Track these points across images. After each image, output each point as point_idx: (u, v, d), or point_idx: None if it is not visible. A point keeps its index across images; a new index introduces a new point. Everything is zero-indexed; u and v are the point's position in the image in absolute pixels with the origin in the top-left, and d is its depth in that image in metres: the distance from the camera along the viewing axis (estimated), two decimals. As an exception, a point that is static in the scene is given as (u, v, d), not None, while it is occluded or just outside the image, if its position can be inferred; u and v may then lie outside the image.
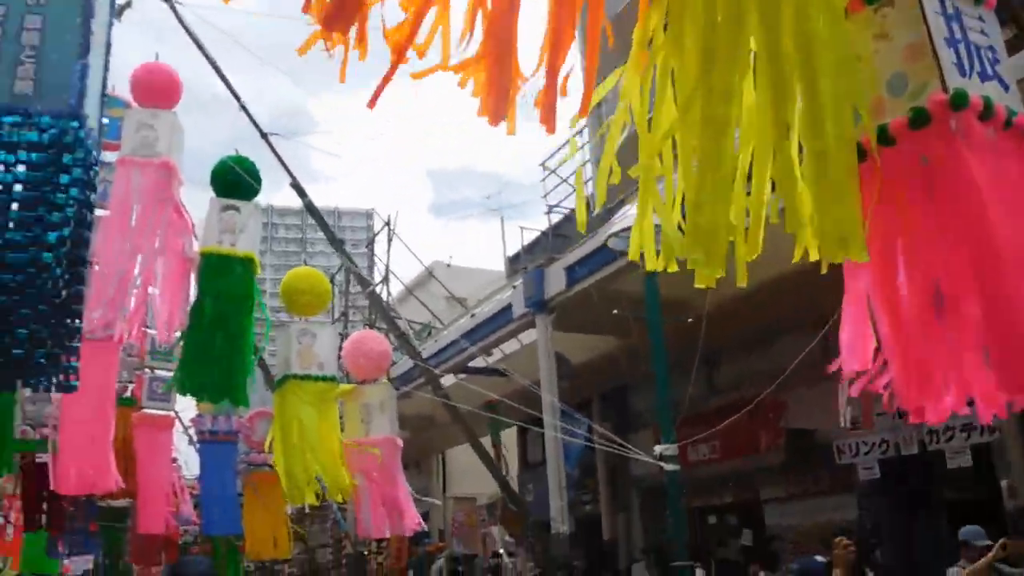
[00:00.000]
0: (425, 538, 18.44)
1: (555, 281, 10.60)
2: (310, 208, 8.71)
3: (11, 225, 5.03)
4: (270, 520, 15.08)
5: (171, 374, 15.09)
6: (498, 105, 2.71)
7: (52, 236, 5.29)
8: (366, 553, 17.74)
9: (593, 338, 12.59)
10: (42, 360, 4.92)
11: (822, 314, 11.84)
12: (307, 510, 21.23)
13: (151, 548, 17.58)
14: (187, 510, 18.28)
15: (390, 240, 11.08)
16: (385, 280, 13.34)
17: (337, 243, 8.73)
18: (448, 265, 19.24)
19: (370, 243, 13.50)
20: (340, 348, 8.82)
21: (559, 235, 12.20)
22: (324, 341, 8.40)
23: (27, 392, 15.59)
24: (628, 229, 9.06)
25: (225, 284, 8.05)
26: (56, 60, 5.54)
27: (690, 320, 9.08)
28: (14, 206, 5.06)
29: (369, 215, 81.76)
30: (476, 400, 15.35)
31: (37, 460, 14.70)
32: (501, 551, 17.02)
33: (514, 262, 17.21)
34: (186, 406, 18.62)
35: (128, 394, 14.67)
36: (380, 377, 8.72)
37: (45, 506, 14.59)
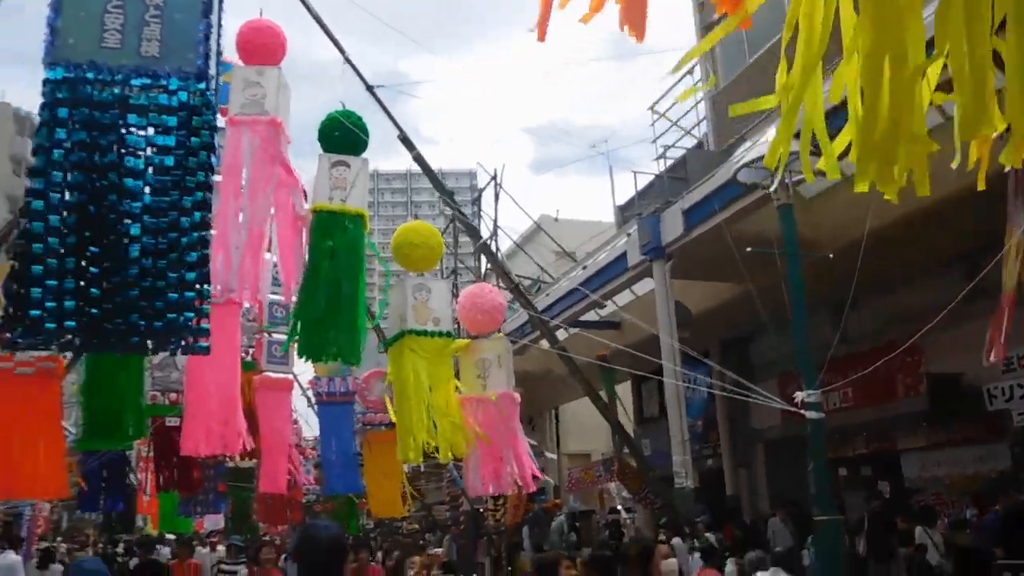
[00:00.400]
0: (540, 495, 18.33)
1: (672, 226, 10.04)
2: (419, 160, 8.44)
3: (147, 190, 4.97)
4: (388, 479, 15.21)
5: (285, 336, 15.54)
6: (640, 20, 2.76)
7: (188, 200, 5.19)
8: (483, 510, 17.76)
9: (712, 285, 11.98)
10: (176, 323, 4.90)
11: (963, 251, 10.98)
12: (422, 468, 21.53)
13: (276, 507, 18.11)
14: (304, 471, 18.78)
15: (497, 195, 10.79)
16: (493, 235, 13.05)
17: (446, 192, 8.43)
18: (555, 219, 18.78)
19: (476, 200, 13.20)
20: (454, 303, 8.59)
21: (674, 178, 11.58)
22: (439, 296, 8.16)
23: (155, 359, 16.22)
24: (759, 160, 8.47)
25: (337, 241, 7.91)
26: (180, 20, 5.32)
27: (831, 255, 8.40)
28: (150, 170, 4.99)
29: (473, 175, 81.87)
30: (588, 354, 15.02)
31: (167, 424, 15.32)
32: (619, 507, 16.75)
33: (625, 210, 16.62)
34: (304, 369, 19.04)
35: (249, 358, 15.05)
36: (495, 331, 8.45)
37: (176, 468, 15.23)
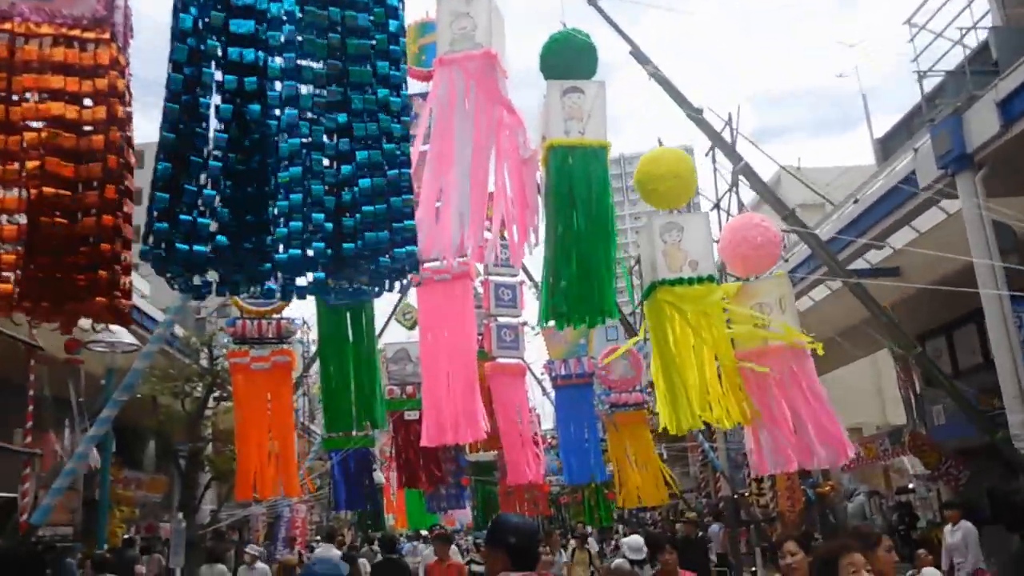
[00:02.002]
0: (807, 478, 16.20)
1: (982, 125, 7.86)
2: (656, 76, 6.98)
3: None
4: (639, 464, 13.86)
5: (516, 320, 14.64)
6: None
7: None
8: (746, 495, 15.90)
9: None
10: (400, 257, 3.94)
11: None
12: (664, 454, 19.82)
13: (520, 500, 17.35)
14: (546, 461, 17.85)
15: (733, 140, 9.14)
16: (734, 184, 11.29)
17: (695, 111, 6.91)
18: (798, 167, 16.59)
19: (711, 150, 11.53)
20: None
21: (976, 72, 9.25)
22: (695, 234, 6.67)
23: (390, 352, 15.90)
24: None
25: (578, 181, 6.67)
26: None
27: None
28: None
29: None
30: (852, 314, 12.85)
31: (406, 418, 14.96)
32: (911, 485, 14.32)
33: (887, 142, 14.22)
34: (533, 357, 18.16)
35: (480, 346, 14.34)
36: (771, 269, 6.83)
37: (417, 464, 14.82)
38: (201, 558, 11.48)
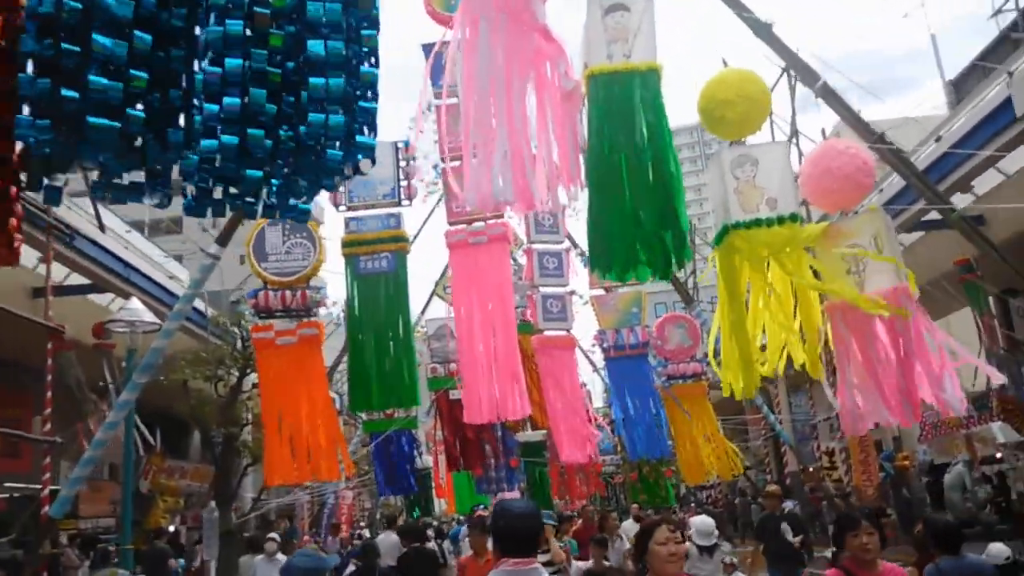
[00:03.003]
0: (879, 450, 15.12)
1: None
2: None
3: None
4: (701, 438, 12.93)
5: (563, 290, 13.74)
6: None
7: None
8: (811, 469, 14.86)
9: None
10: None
11: None
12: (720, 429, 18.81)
13: (573, 480, 16.56)
14: (600, 439, 16.97)
15: (792, 88, 8.12)
16: (794, 134, 10.19)
17: (763, 27, 5.93)
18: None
19: (784, 72, 10.41)
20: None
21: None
22: (772, 167, 5.72)
23: (431, 329, 15.12)
24: None
25: (626, 111, 5.78)
26: None
27: None
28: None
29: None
30: (932, 267, 11.73)
31: (451, 398, 14.21)
32: (999, 455, 13.15)
33: (961, 86, 13.00)
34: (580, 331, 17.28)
35: (524, 319, 13.51)
36: (863, 203, 5.86)
37: (463, 445, 14.10)
38: (241, 549, 10.87)
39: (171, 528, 17.19)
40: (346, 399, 18.69)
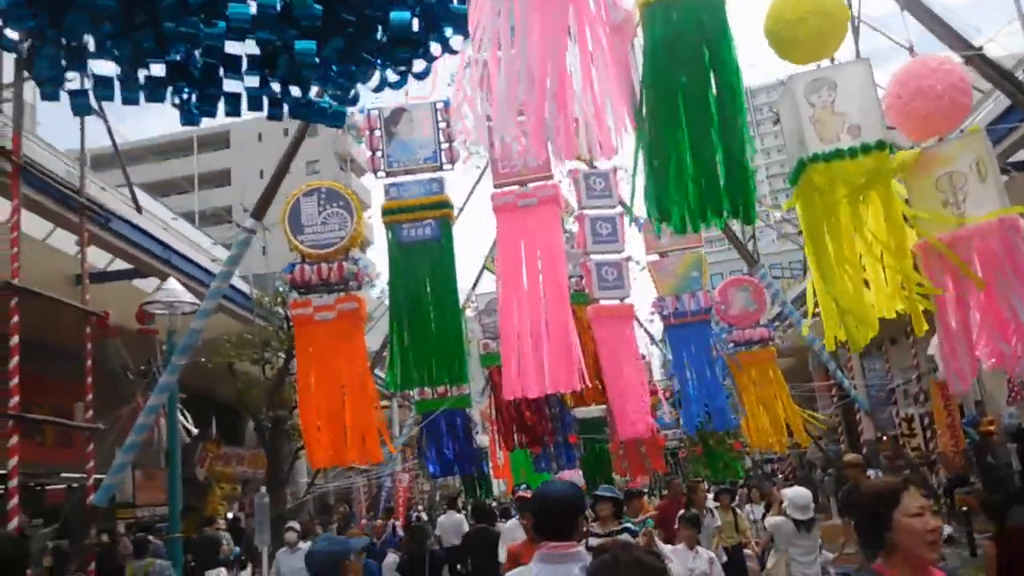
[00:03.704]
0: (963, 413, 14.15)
1: None
2: None
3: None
4: (770, 407, 12.20)
5: (618, 256, 13.08)
6: None
7: None
8: (886, 437, 14.00)
9: None
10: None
11: None
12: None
13: (634, 456, 15.92)
14: (661, 412, 16.33)
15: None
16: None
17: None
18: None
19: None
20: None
21: None
22: (852, 89, 5.01)
23: (481, 304, 14.63)
24: None
25: (688, 44, 5.12)
26: None
27: None
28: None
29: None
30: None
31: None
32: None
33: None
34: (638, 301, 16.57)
35: (578, 288, 12.93)
36: (960, 125, 5.12)
37: (519, 422, 13.62)
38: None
39: (229, 515, 17.11)
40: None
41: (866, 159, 4.88)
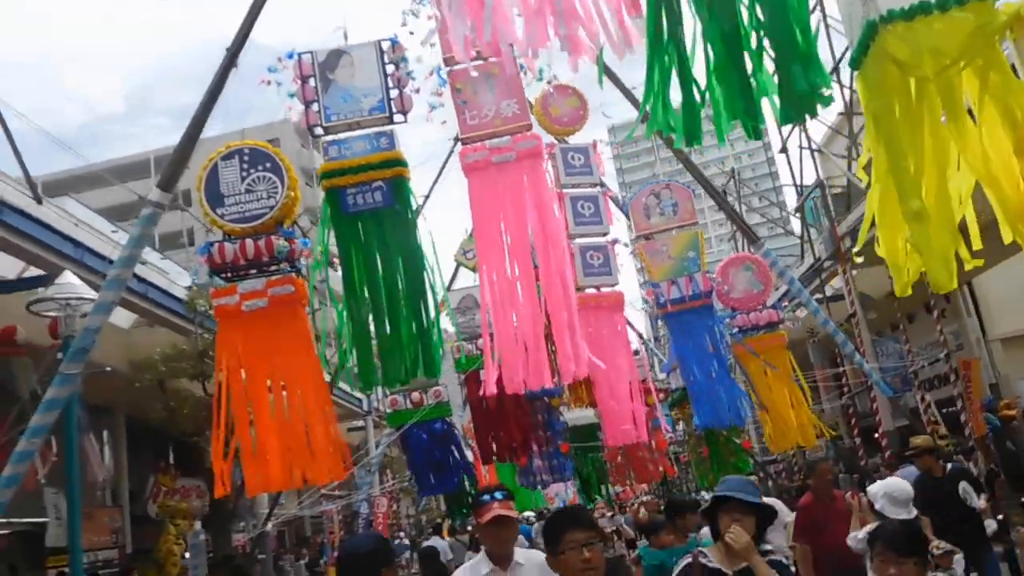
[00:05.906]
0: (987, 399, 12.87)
1: None
2: None
3: None
4: (783, 399, 10.80)
5: (604, 239, 11.65)
6: None
7: None
8: (928, 429, 12.59)
9: None
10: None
11: None
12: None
13: (634, 462, 14.44)
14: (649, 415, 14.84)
15: None
16: None
17: None
18: None
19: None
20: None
21: None
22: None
23: (454, 300, 13.14)
24: None
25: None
26: None
27: None
28: None
29: None
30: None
31: (481, 379, 12.24)
32: None
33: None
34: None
35: (559, 276, 11.51)
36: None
37: (501, 430, 12.12)
38: None
39: (187, 555, 15.42)
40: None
41: (962, 13, 3.49)
